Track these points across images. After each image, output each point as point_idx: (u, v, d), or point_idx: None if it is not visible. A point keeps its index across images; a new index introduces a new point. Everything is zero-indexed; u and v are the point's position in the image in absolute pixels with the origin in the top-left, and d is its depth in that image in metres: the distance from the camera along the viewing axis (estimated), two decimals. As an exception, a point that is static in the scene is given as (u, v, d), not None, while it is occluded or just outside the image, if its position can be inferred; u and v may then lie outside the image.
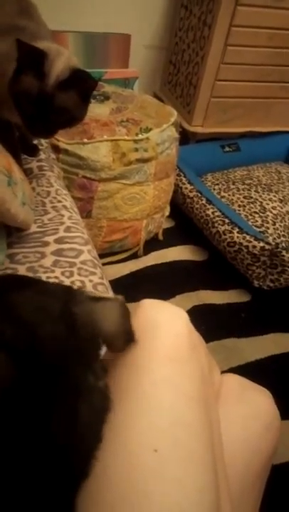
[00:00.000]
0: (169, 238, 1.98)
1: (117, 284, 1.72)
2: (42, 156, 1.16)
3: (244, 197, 1.94)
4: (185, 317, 0.59)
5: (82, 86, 0.86)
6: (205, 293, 1.77)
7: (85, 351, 0.46)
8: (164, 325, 0.56)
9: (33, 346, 0.42)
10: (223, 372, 0.71)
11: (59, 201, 1.02)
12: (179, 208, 2.03)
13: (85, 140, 1.57)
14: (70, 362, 0.44)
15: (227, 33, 1.89)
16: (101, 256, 1.76)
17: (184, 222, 2.04)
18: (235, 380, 0.70)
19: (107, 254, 1.79)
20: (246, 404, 0.66)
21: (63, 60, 0.85)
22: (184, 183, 1.96)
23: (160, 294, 1.69)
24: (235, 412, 0.64)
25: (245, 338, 1.62)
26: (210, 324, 1.63)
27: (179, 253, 1.94)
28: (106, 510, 0.43)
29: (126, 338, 0.52)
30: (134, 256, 1.86)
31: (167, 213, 1.95)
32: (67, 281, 0.85)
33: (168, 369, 0.52)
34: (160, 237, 1.96)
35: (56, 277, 0.84)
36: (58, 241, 0.92)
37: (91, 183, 1.60)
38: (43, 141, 1.22)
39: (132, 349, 0.54)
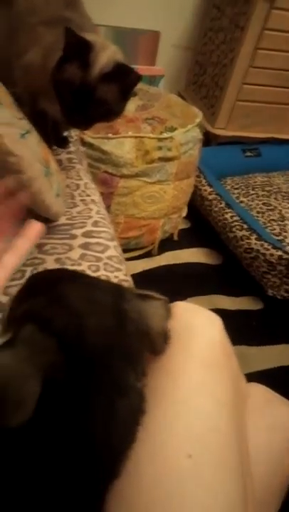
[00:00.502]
0: (184, 239, 1.97)
1: (129, 282, 1.71)
2: (72, 148, 1.16)
3: (263, 203, 1.93)
4: (220, 323, 0.58)
5: (124, 80, 0.85)
6: (217, 298, 1.75)
7: (131, 349, 0.45)
8: (200, 330, 0.55)
9: (81, 336, 0.42)
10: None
11: (88, 195, 1.01)
12: (197, 210, 2.02)
13: (110, 135, 1.56)
14: (115, 357, 0.44)
15: (259, 36, 1.87)
16: (116, 252, 1.76)
17: (200, 224, 2.03)
18: (261, 391, 0.69)
19: (121, 250, 1.78)
20: (271, 416, 0.65)
21: (108, 53, 0.85)
22: (204, 185, 1.95)
23: (171, 295, 1.67)
24: (260, 422, 0.64)
25: (255, 347, 1.61)
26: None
27: (193, 255, 1.93)
28: (138, 511, 0.42)
29: (165, 339, 0.51)
30: (148, 254, 1.85)
31: (184, 214, 1.94)
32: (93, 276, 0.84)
33: (203, 375, 0.51)
34: (175, 237, 1.95)
35: (83, 270, 0.84)
36: (86, 235, 0.91)
37: (112, 178, 1.59)
38: (73, 133, 1.21)
39: (167, 352, 0.53)
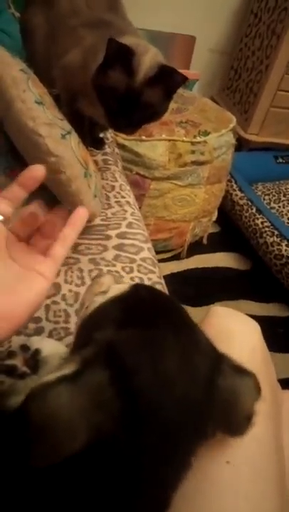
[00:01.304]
0: (214, 243, 1.97)
1: (157, 284, 1.72)
2: (107, 149, 1.17)
3: (294, 210, 1.91)
4: (258, 329, 0.58)
5: (169, 82, 0.85)
6: (245, 303, 1.74)
7: (206, 429, 0.39)
8: (240, 336, 0.55)
9: (159, 407, 0.35)
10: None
11: (123, 196, 1.03)
12: (227, 215, 2.01)
13: (144, 137, 1.57)
14: (183, 436, 0.37)
15: (296, 43, 1.86)
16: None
17: (230, 229, 2.03)
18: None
19: (150, 252, 1.79)
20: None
21: (151, 55, 0.85)
22: (235, 190, 1.94)
23: (199, 299, 1.70)
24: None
25: (280, 354, 1.59)
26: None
27: (222, 259, 1.92)
28: None
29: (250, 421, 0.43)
30: (177, 257, 1.86)
31: (214, 218, 1.94)
32: (127, 277, 0.85)
33: None
34: (204, 241, 1.94)
35: (117, 271, 0.85)
36: (120, 236, 0.92)
37: (144, 180, 1.60)
38: (108, 135, 1.23)
39: None
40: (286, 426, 0.61)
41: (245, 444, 0.47)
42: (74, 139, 0.79)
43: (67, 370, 0.34)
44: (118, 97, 0.83)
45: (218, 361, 0.41)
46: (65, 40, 0.96)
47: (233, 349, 0.53)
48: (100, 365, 0.34)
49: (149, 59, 0.83)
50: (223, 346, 0.54)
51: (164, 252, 1.83)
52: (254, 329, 0.57)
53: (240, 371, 0.42)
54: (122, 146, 1.55)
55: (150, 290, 0.51)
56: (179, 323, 0.43)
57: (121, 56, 0.81)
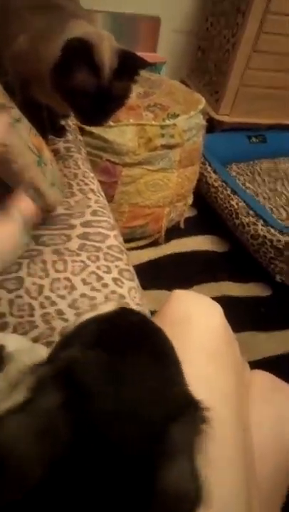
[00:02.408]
0: (191, 227, 1.95)
1: (135, 271, 1.70)
2: (69, 137, 1.14)
3: (269, 189, 1.90)
4: (220, 310, 0.57)
5: (132, 69, 0.83)
6: (225, 285, 1.74)
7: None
8: (200, 318, 0.54)
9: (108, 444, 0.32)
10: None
11: (86, 184, 1.00)
12: (203, 197, 2.00)
13: (111, 123, 1.54)
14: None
15: (261, 19, 1.83)
16: (121, 242, 1.75)
17: (207, 211, 2.01)
18: (266, 378, 0.68)
19: (127, 240, 1.77)
20: (277, 404, 0.64)
21: (107, 44, 0.82)
22: (209, 172, 1.92)
23: (178, 284, 1.67)
24: (265, 411, 0.62)
25: (264, 333, 1.59)
26: (228, 317, 1.59)
27: (200, 243, 1.91)
28: None
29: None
30: (155, 243, 1.84)
31: (190, 202, 1.92)
32: (93, 266, 0.83)
33: (204, 364, 0.50)
34: (182, 225, 1.93)
35: (82, 261, 0.83)
36: (85, 224, 0.90)
37: (115, 167, 1.57)
38: (70, 122, 1.20)
39: None
40: (255, 404, 0.60)
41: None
42: (24, 126, 0.77)
43: (21, 394, 0.32)
44: (88, 97, 0.81)
45: (179, 412, 0.36)
46: (12, 25, 0.92)
47: (194, 331, 0.52)
48: (55, 386, 0.32)
49: (107, 48, 0.80)
50: (183, 329, 0.53)
51: (141, 238, 1.81)
52: (214, 310, 0.56)
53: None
54: (89, 134, 1.52)
55: (137, 316, 0.47)
56: (155, 356, 0.40)
57: (81, 54, 0.78)
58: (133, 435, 0.33)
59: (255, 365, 1.46)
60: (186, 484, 0.34)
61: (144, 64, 0.84)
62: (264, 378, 0.67)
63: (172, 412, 0.35)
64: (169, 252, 1.83)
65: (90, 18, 0.94)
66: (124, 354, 0.36)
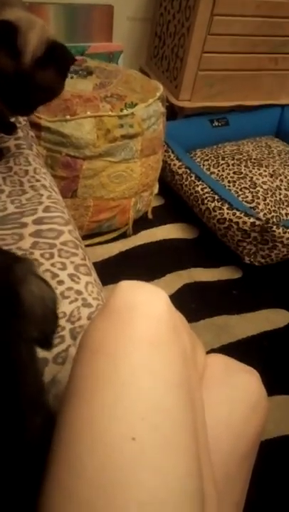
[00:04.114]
0: (159, 217, 1.95)
1: (106, 265, 1.69)
2: (20, 134, 1.12)
3: (234, 172, 1.90)
4: (164, 297, 0.56)
5: (59, 61, 0.81)
6: (196, 271, 1.74)
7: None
8: (142, 307, 0.53)
9: None
10: (214, 349, 0.69)
11: (37, 180, 0.98)
12: (168, 186, 1.99)
13: (68, 117, 1.52)
14: None
15: (213, 2, 1.82)
16: (89, 236, 1.73)
17: (174, 199, 2.01)
18: (220, 361, 0.67)
19: (95, 234, 1.76)
20: (231, 386, 0.63)
21: (37, 32, 0.80)
22: (173, 160, 1.92)
23: (150, 274, 1.68)
24: (220, 394, 0.62)
25: (237, 315, 1.61)
26: (201, 302, 1.61)
27: (168, 231, 1.91)
28: (82, 503, 0.41)
29: (42, 336, 0.50)
30: (123, 236, 1.83)
31: (156, 191, 1.91)
32: (47, 264, 0.82)
33: (146, 354, 0.49)
34: (149, 215, 1.92)
35: (35, 259, 0.81)
36: (37, 222, 0.88)
37: (75, 161, 1.56)
38: (21, 118, 1.18)
39: (107, 334, 0.51)
40: (210, 390, 0.60)
41: (153, 417, 0.45)
42: None
43: None
44: (9, 81, 0.79)
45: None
46: None
47: (136, 321, 0.51)
48: None
49: (36, 36, 0.78)
50: (125, 319, 0.52)
51: (109, 232, 1.80)
52: (158, 297, 0.54)
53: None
54: (46, 129, 1.50)
55: None
56: None
57: (3, 36, 0.76)
58: None
59: (229, 348, 1.49)
60: (47, 290, 0.49)
61: (71, 59, 0.83)
62: (219, 361, 0.67)
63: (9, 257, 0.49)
64: (138, 243, 1.83)
65: (26, 8, 0.92)
66: None
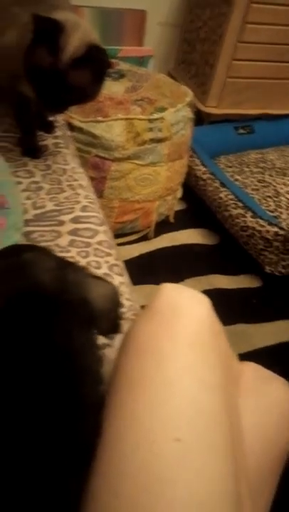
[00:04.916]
0: (181, 221, 1.96)
1: (126, 266, 1.70)
2: (58, 133, 1.14)
3: (258, 180, 1.91)
4: (207, 302, 0.57)
5: (96, 65, 0.83)
6: (216, 277, 1.75)
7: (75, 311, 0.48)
8: (186, 310, 0.54)
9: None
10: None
11: (75, 180, 1.00)
12: (192, 190, 2.00)
13: (100, 118, 1.54)
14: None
15: (246, 10, 1.83)
16: (112, 237, 1.75)
17: (196, 204, 2.02)
18: (253, 369, 0.68)
19: (117, 235, 1.77)
20: (264, 393, 0.64)
21: (80, 34, 0.82)
22: (197, 165, 1.93)
23: (170, 278, 1.67)
24: (253, 401, 0.63)
25: (255, 324, 1.61)
26: (220, 309, 1.60)
27: (189, 236, 1.92)
28: (126, 500, 0.42)
29: (111, 326, 0.54)
30: (145, 238, 1.84)
31: (179, 195, 1.93)
32: (83, 262, 0.83)
33: (190, 356, 0.50)
34: (171, 219, 1.93)
35: (72, 257, 0.83)
36: (74, 220, 0.90)
37: (104, 162, 1.58)
38: (59, 118, 1.20)
39: (151, 334, 0.52)
40: (244, 397, 0.61)
41: (195, 419, 0.46)
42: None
43: None
44: (44, 76, 0.81)
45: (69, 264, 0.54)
46: None
47: (179, 323, 0.53)
48: None
49: (78, 38, 0.80)
50: (169, 321, 0.53)
51: (131, 233, 1.82)
52: (201, 301, 0.56)
53: (94, 276, 0.53)
54: (78, 129, 1.52)
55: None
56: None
57: (48, 32, 0.78)
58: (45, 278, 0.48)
59: (246, 356, 1.48)
60: (108, 286, 0.53)
61: (106, 63, 0.85)
62: (253, 369, 0.68)
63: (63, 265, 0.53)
64: (159, 247, 1.84)
65: (73, 10, 0.95)
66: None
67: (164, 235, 1.89)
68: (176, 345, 0.51)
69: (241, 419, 0.57)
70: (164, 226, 1.90)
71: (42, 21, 0.77)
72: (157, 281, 1.73)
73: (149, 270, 1.72)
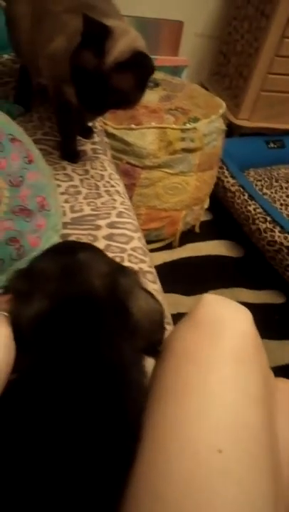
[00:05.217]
0: (206, 231, 1.95)
1: (150, 274, 1.71)
2: (96, 138, 1.15)
3: (287, 195, 1.90)
4: (250, 316, 0.57)
5: (139, 70, 0.84)
6: (239, 291, 1.74)
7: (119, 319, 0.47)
8: (231, 323, 0.54)
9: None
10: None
11: (112, 186, 1.01)
12: (219, 202, 2.00)
13: (133, 126, 1.55)
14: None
15: (285, 24, 1.83)
16: (137, 244, 1.75)
17: (223, 216, 2.01)
18: (287, 385, 0.68)
19: (143, 242, 1.78)
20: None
21: (127, 40, 0.83)
22: (227, 177, 1.93)
23: (192, 288, 1.69)
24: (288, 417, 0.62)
25: (277, 341, 1.59)
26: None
27: (214, 247, 1.91)
28: (170, 505, 0.42)
29: (147, 347, 0.51)
30: (169, 246, 1.84)
31: (206, 206, 1.92)
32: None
33: (234, 368, 0.50)
34: (197, 229, 1.93)
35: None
36: (110, 225, 0.91)
37: (134, 169, 1.58)
38: (97, 124, 1.21)
39: (196, 344, 0.52)
40: (280, 413, 0.61)
41: (238, 431, 0.46)
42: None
43: None
44: (87, 78, 0.81)
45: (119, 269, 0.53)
46: (49, 27, 0.94)
47: (224, 335, 0.53)
48: None
49: (124, 43, 0.81)
50: (214, 332, 0.53)
51: (156, 241, 1.82)
52: (245, 316, 0.56)
53: (145, 289, 0.52)
54: (112, 136, 1.53)
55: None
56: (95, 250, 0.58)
57: (96, 35, 0.79)
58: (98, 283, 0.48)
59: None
60: (154, 305, 0.50)
61: (150, 68, 0.85)
62: (287, 386, 0.67)
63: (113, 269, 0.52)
64: (183, 256, 1.84)
65: (122, 18, 0.96)
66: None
67: (189, 245, 1.89)
68: (221, 356, 0.51)
69: (278, 433, 0.57)
70: (189, 236, 1.90)
71: (91, 23, 0.78)
72: (180, 291, 1.73)
73: (172, 279, 1.71)
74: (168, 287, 1.63)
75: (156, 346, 0.52)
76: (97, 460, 0.40)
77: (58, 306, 0.46)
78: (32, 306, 0.46)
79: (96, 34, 0.80)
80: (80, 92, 0.87)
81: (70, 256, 0.52)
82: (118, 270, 0.52)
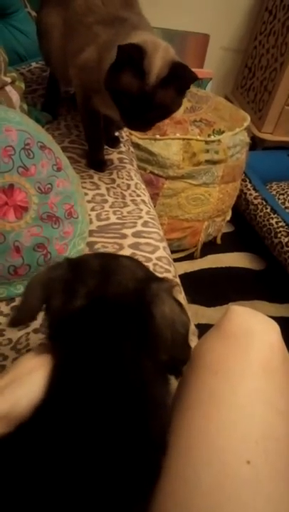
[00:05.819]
0: (227, 243, 1.95)
1: (171, 284, 1.70)
2: (122, 148, 1.16)
3: (309, 210, 1.89)
4: (277, 327, 0.57)
5: (181, 80, 0.84)
6: (259, 304, 1.73)
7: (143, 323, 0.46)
8: (259, 335, 0.54)
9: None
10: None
11: (138, 195, 1.02)
12: (241, 214, 2.00)
13: (158, 136, 1.56)
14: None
15: (312, 40, 1.84)
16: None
17: (244, 228, 2.01)
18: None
19: (164, 252, 1.78)
20: None
21: (161, 54, 0.84)
22: (249, 189, 1.92)
23: (213, 299, 1.68)
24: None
25: (297, 355, 1.57)
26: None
27: (235, 259, 1.91)
28: None
29: (172, 358, 0.48)
30: (190, 257, 1.84)
31: (228, 218, 1.92)
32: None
33: (262, 381, 0.50)
34: (218, 241, 1.93)
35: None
36: (136, 235, 0.91)
37: (158, 179, 1.59)
38: (123, 133, 1.22)
39: (225, 355, 0.52)
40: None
41: (266, 443, 0.46)
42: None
43: None
44: (131, 100, 0.82)
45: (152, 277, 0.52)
46: (80, 38, 0.96)
47: (253, 347, 0.53)
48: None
49: (160, 58, 0.82)
50: (243, 344, 0.53)
51: (177, 251, 1.82)
52: (273, 328, 0.56)
53: (177, 300, 0.49)
54: (136, 145, 1.54)
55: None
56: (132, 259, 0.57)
57: (132, 57, 0.80)
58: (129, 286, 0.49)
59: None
60: (179, 314, 0.47)
61: (193, 77, 0.85)
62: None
63: (148, 276, 0.52)
64: (204, 267, 1.84)
65: (152, 31, 0.97)
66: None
67: (210, 256, 1.88)
68: (249, 368, 0.50)
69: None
70: (210, 247, 1.90)
71: (125, 49, 0.79)
72: (201, 302, 1.72)
73: (193, 289, 1.71)
74: (189, 297, 1.63)
75: (179, 365, 0.50)
76: (118, 476, 0.40)
77: (91, 305, 0.47)
78: (76, 299, 0.47)
79: (131, 56, 0.80)
80: (124, 114, 0.88)
81: (113, 258, 0.54)
82: (153, 278, 0.52)
